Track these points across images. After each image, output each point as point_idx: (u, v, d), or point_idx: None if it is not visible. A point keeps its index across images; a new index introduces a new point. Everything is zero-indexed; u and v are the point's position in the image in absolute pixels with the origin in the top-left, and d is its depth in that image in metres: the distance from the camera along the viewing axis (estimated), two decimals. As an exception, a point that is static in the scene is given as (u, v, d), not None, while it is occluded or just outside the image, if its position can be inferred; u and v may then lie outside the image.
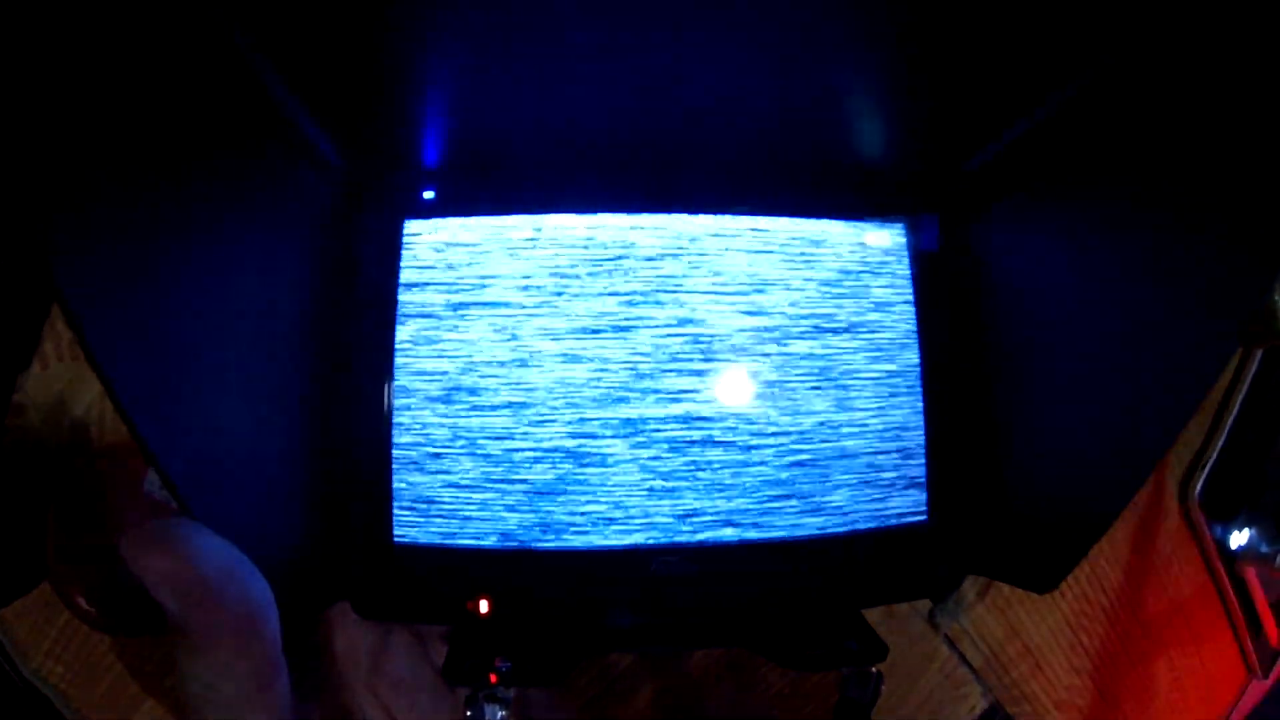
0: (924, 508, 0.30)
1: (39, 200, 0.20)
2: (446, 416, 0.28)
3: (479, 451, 0.28)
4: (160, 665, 0.36)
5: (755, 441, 0.29)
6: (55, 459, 0.35)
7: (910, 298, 0.31)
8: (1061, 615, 0.41)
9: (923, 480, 0.30)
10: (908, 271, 0.31)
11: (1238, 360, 0.43)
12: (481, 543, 0.28)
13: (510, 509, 0.28)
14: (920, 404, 0.30)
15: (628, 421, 0.29)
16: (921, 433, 0.30)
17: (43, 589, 0.35)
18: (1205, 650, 0.44)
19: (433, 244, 0.29)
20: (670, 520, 0.29)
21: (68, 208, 0.21)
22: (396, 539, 0.28)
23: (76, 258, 0.21)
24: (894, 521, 0.30)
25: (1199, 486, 0.42)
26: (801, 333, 0.30)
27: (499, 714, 0.26)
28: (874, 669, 0.29)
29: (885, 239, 0.31)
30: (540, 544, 0.28)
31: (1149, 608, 0.42)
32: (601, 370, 0.29)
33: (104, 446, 0.36)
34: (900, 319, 0.30)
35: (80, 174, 0.21)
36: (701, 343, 0.29)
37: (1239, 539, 0.43)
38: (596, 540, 0.28)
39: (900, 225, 0.31)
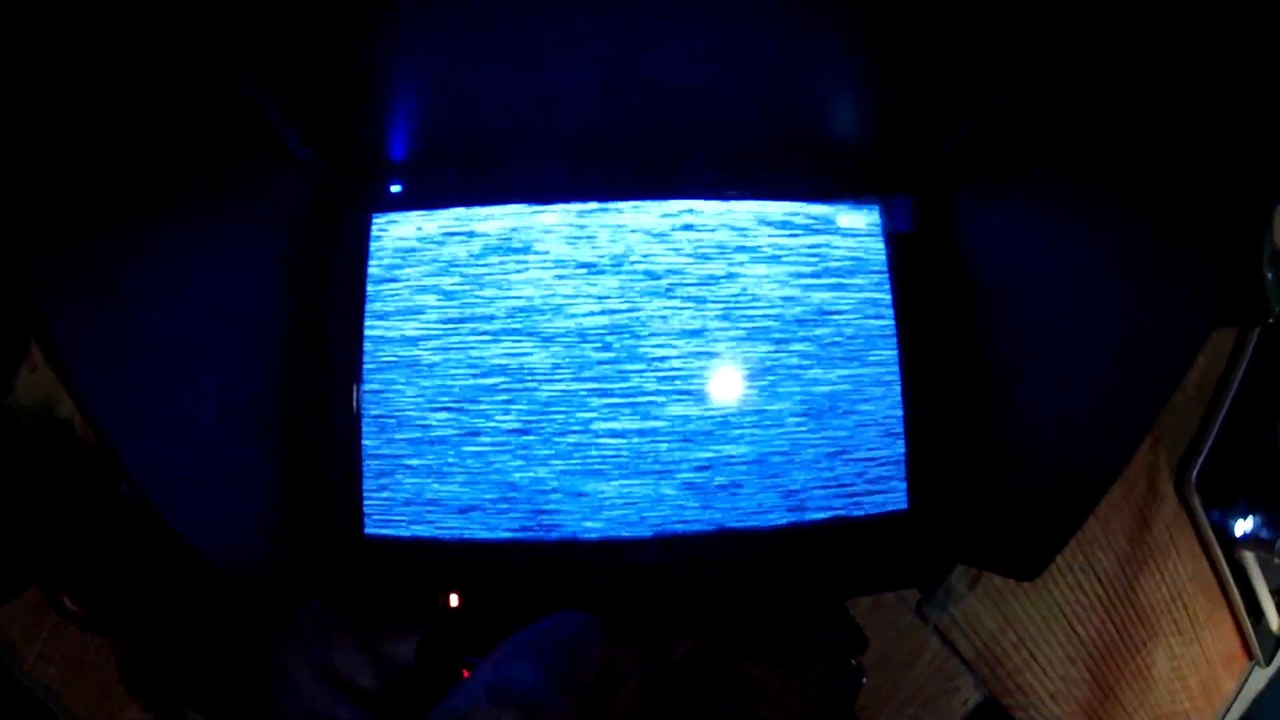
0: (903, 495, 0.30)
1: (11, 205, 0.20)
2: (415, 410, 0.28)
3: (448, 444, 0.28)
4: (150, 664, 0.36)
5: (728, 429, 0.29)
6: (42, 460, 0.35)
7: (886, 281, 0.30)
8: (1056, 606, 0.40)
9: (902, 467, 0.30)
10: (883, 254, 0.30)
11: (1233, 344, 0.42)
12: (452, 535, 0.28)
13: (480, 501, 0.28)
14: (898, 389, 0.30)
15: (598, 412, 0.28)
16: (900, 418, 0.30)
17: (33, 591, 0.35)
18: (1205, 638, 0.43)
19: (400, 236, 0.29)
20: (643, 511, 0.28)
21: (40, 212, 0.21)
22: (367, 532, 0.28)
23: (46, 261, 0.21)
24: (872, 510, 0.30)
25: (1195, 472, 0.41)
26: (775, 318, 0.29)
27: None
28: (854, 660, 0.29)
29: (859, 221, 0.30)
30: (510, 536, 0.28)
31: (1146, 596, 0.41)
32: (572, 360, 0.28)
33: (89, 446, 0.36)
34: (876, 302, 0.30)
35: (52, 178, 0.21)
36: (674, 331, 0.29)
37: (1243, 526, 0.42)
38: (568, 532, 0.28)
39: (875, 207, 0.30)
